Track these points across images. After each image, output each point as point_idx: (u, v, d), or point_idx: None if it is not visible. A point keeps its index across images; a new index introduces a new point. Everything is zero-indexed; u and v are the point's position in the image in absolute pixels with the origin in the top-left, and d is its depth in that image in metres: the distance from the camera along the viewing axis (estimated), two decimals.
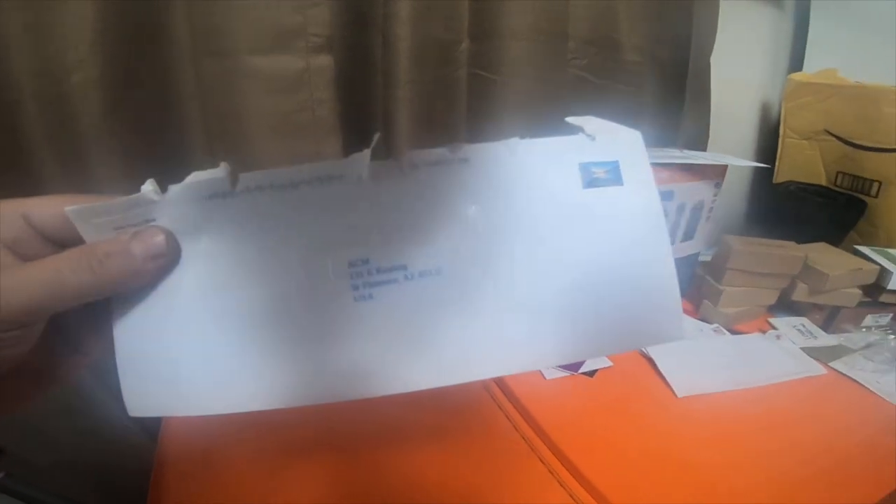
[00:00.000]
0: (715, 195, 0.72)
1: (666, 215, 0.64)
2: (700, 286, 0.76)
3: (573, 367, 0.61)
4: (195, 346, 0.22)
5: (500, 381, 0.58)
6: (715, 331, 0.71)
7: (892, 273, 0.70)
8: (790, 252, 0.70)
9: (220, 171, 0.22)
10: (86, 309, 0.21)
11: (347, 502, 0.43)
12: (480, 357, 0.24)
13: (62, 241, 0.21)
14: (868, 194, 0.85)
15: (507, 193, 0.24)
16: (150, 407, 0.23)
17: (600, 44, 0.68)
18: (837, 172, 0.89)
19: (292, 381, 0.23)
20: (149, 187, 0.21)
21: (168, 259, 0.22)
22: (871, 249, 0.76)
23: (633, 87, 0.72)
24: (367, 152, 0.22)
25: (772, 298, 0.73)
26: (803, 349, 0.67)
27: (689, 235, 0.73)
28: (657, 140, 0.77)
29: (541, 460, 0.48)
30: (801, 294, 0.71)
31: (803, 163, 0.93)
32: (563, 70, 0.66)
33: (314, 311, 0.23)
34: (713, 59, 0.79)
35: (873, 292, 0.72)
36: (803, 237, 0.78)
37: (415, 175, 0.23)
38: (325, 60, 0.55)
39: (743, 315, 0.73)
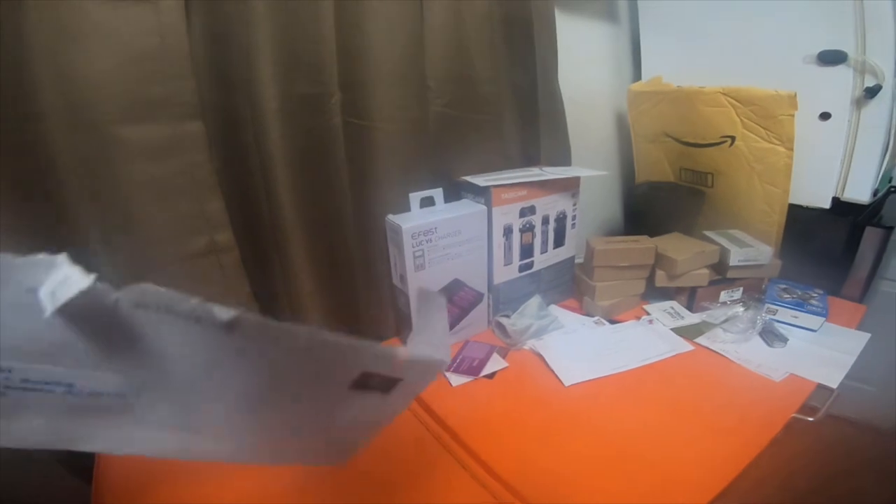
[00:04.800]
0: (574, 204, 0.92)
1: (533, 227, 0.83)
2: (579, 285, 0.95)
3: (474, 371, 0.75)
4: None
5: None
6: (596, 323, 0.89)
7: (730, 251, 0.92)
8: (643, 245, 0.92)
9: None
10: None
11: None
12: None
13: None
14: (706, 185, 1.10)
15: (258, 366, 0.26)
16: None
17: (457, 81, 0.84)
18: (680, 169, 1.14)
19: None
20: None
21: None
22: (715, 233, 1.00)
23: (492, 115, 0.89)
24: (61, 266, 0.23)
25: (640, 287, 0.94)
26: (673, 329, 0.87)
27: (559, 242, 0.92)
28: (523, 160, 0.96)
29: (452, 455, 0.61)
30: (661, 280, 0.92)
31: (654, 163, 1.18)
32: (426, 109, 0.82)
33: None
34: (567, 79, 1.00)
35: (722, 270, 0.94)
36: (662, 229, 1.00)
37: (148, 317, 0.23)
38: (195, 126, 0.64)
39: (619, 305, 0.92)
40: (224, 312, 0.23)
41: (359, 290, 0.81)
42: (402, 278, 0.75)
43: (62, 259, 0.22)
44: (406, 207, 0.77)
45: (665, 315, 0.92)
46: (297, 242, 0.74)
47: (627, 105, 1.18)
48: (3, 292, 0.22)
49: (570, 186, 0.90)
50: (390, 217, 0.75)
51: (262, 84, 0.67)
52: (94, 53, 0.58)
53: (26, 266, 0.22)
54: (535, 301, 0.87)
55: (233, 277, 0.71)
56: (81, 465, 0.62)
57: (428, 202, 0.79)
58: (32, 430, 0.27)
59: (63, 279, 0.22)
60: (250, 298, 0.72)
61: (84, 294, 0.22)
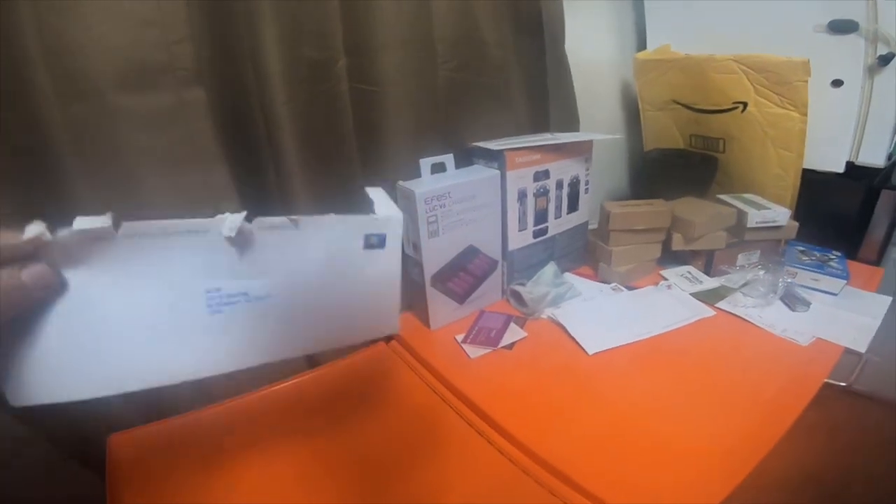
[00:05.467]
0: (587, 169, 0.90)
1: (547, 192, 0.81)
2: (594, 251, 0.93)
3: (492, 342, 0.73)
4: (73, 349, 0.33)
5: (429, 366, 0.70)
6: (613, 289, 0.87)
7: (747, 213, 0.90)
8: (658, 208, 0.90)
9: (105, 220, 0.32)
10: None
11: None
12: (294, 343, 0.41)
13: None
14: (718, 151, 1.08)
15: (317, 249, 0.40)
16: (31, 397, 0.32)
17: (465, 44, 0.82)
18: (690, 135, 1.13)
19: (152, 368, 0.36)
20: (38, 227, 0.29)
21: (53, 289, 0.31)
22: (730, 196, 0.98)
23: (500, 80, 0.87)
24: (238, 217, 0.36)
25: (656, 252, 0.92)
26: (692, 294, 0.85)
27: (573, 207, 0.91)
28: (532, 127, 0.94)
29: (479, 433, 0.59)
30: (678, 243, 0.90)
31: (662, 130, 1.16)
32: (435, 74, 0.80)
33: (176, 321, 0.36)
34: (572, 48, 0.98)
35: (739, 233, 0.92)
36: (673, 196, 0.98)
37: (261, 234, 0.37)
38: (197, 93, 0.63)
39: (636, 271, 0.90)
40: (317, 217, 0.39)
41: None
42: (416, 246, 0.73)
43: (227, 212, 0.36)
44: (417, 174, 0.75)
45: (683, 280, 0.90)
46: (306, 213, 0.71)
47: (634, 73, 1.16)
48: (206, 237, 0.35)
49: (582, 151, 0.88)
50: (401, 183, 0.73)
51: (265, 49, 0.64)
52: (87, 20, 0.55)
53: (215, 222, 0.35)
54: (550, 268, 0.85)
55: None
56: (94, 459, 0.59)
57: (439, 168, 0.76)
58: (238, 344, 0.39)
59: (232, 218, 0.35)
60: None
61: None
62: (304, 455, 0.56)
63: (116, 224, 0.32)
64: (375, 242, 0.43)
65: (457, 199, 0.73)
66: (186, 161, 0.64)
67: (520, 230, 0.84)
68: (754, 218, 0.89)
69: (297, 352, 0.42)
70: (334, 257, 0.41)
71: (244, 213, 0.36)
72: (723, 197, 0.98)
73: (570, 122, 0.99)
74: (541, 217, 0.86)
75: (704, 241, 0.90)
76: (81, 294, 0.32)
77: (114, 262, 0.33)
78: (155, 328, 0.35)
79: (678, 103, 1.12)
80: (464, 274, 0.78)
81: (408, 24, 0.74)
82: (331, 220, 0.41)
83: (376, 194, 0.46)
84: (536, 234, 0.86)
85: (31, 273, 0.29)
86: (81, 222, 0.31)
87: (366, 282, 0.43)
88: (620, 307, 0.83)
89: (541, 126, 0.94)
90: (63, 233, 0.30)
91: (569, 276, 0.91)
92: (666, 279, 0.90)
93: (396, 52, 0.73)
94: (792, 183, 1.01)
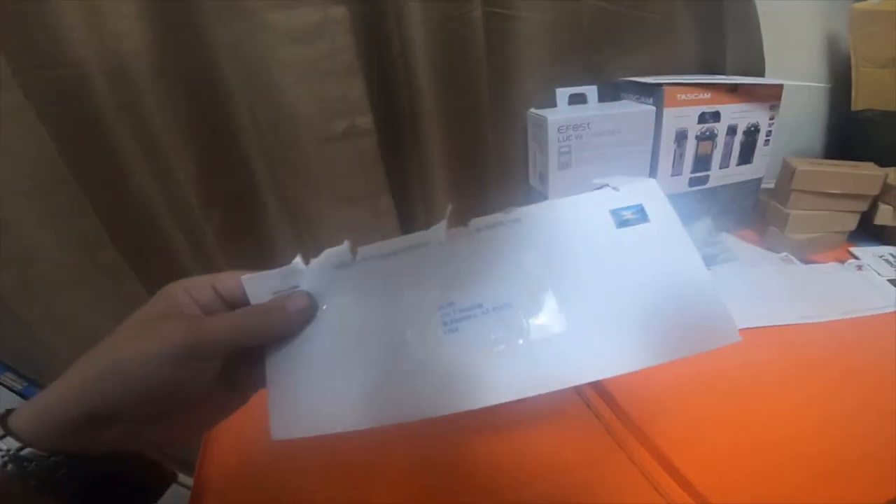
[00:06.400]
0: (772, 118, 0.75)
1: (714, 136, 0.69)
2: (765, 213, 0.77)
3: None
4: (329, 376, 0.33)
5: None
6: (783, 259, 0.72)
7: None
8: (866, 171, 0.71)
9: (344, 248, 0.35)
10: (245, 360, 0.33)
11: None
12: (550, 370, 0.32)
13: (235, 304, 0.34)
14: None
15: (554, 242, 0.35)
16: (292, 430, 0.32)
17: None
18: None
19: (401, 400, 0.32)
20: (298, 261, 0.34)
21: (309, 313, 0.34)
22: None
23: (662, 14, 0.76)
24: (444, 223, 0.35)
25: (850, 223, 0.74)
26: (891, 281, 0.67)
27: (745, 160, 0.76)
28: (701, 69, 0.81)
29: (597, 416, 0.50)
30: (884, 217, 0.71)
31: (883, 91, 0.93)
32: (580, 2, 0.71)
33: (416, 343, 0.33)
34: None
35: None
36: (889, 165, 0.78)
37: (480, 236, 0.35)
38: (340, 11, 0.64)
39: (817, 243, 0.73)
40: None
41: (491, 188, 0.76)
42: (542, 177, 0.67)
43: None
44: (552, 105, 0.69)
45: (881, 262, 0.70)
46: (433, 131, 0.71)
47: (850, 25, 0.95)
48: (428, 249, 0.36)
49: (768, 97, 0.73)
50: (533, 110, 0.67)
51: None
52: None
53: (432, 232, 0.35)
54: (704, 223, 0.72)
55: (369, 162, 0.69)
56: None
57: (578, 100, 0.69)
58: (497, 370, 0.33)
59: (440, 224, 0.35)
60: (384, 185, 0.71)
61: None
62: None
63: (353, 251, 0.35)
64: (632, 217, 0.35)
65: (597, 132, 0.65)
66: (328, 74, 0.66)
67: (673, 175, 0.72)
68: None
69: (584, 377, 0.32)
70: (582, 244, 0.35)
71: (448, 215, 0.35)
72: None
73: (754, 67, 0.84)
74: (702, 164, 0.73)
75: None
76: (331, 318, 0.34)
77: (354, 287, 0.35)
78: (396, 353, 0.34)
79: None
80: None
81: None
82: (557, 204, 0.36)
83: (610, 179, 0.38)
84: (693, 183, 0.74)
85: (292, 301, 0.33)
86: (328, 252, 0.35)
87: (643, 266, 0.34)
88: (788, 281, 0.67)
89: (713, 69, 0.81)
90: (314, 262, 0.34)
91: (726, 236, 0.77)
92: (857, 258, 0.72)
93: None
94: None
